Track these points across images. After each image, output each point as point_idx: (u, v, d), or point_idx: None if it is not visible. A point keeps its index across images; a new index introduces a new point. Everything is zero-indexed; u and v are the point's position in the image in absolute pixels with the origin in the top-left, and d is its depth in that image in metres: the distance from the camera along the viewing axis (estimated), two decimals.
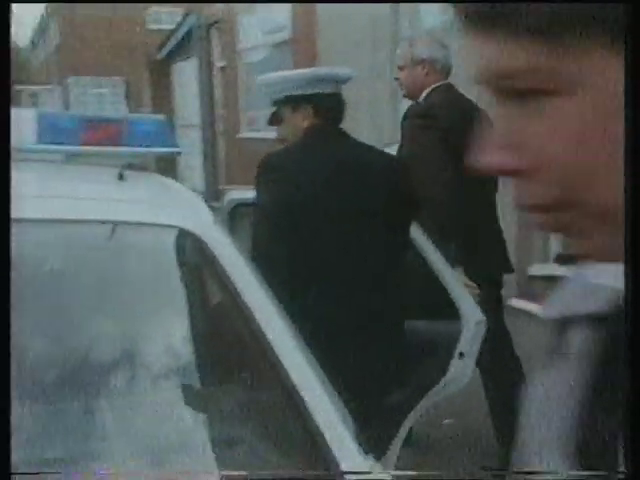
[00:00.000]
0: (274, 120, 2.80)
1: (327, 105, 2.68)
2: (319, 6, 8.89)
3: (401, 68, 3.62)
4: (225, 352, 1.84)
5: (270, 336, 1.65)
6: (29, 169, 2.37)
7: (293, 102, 2.68)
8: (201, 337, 1.89)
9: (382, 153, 2.86)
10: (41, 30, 37.10)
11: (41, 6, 33.60)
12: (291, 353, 1.63)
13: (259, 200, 2.63)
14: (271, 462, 1.58)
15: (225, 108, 13.31)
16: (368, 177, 2.57)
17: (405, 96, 3.75)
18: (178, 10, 22.55)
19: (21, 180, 2.16)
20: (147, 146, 2.34)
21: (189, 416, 1.72)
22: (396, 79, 3.79)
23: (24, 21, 43.16)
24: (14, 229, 1.88)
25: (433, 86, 3.53)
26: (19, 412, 1.47)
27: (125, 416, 1.65)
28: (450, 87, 3.59)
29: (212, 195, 12.74)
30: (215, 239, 1.91)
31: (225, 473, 1.48)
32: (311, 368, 1.63)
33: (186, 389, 1.75)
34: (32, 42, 42.04)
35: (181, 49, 15.70)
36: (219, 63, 13.56)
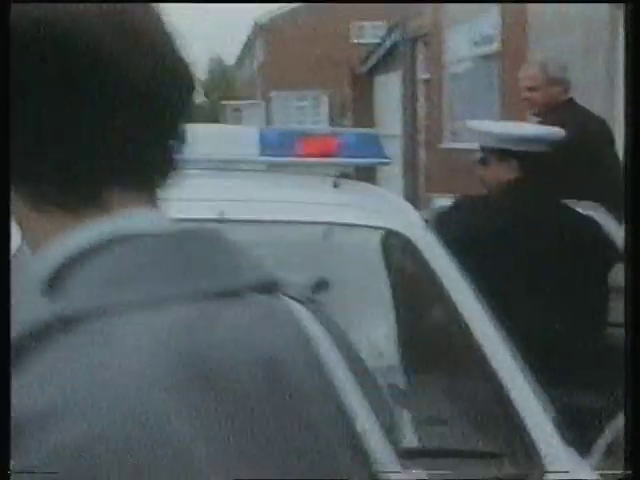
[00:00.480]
0: (481, 161, 2.90)
1: (533, 163, 2.71)
2: (530, 17, 8.99)
3: (533, 89, 3.82)
4: (432, 343, 2.00)
5: (475, 328, 1.80)
6: (253, 178, 2.66)
7: (499, 153, 2.76)
8: (409, 328, 2.05)
9: (581, 220, 2.84)
10: (247, 48, 39.09)
11: (248, 26, 35.28)
12: (494, 344, 1.77)
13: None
14: (471, 440, 1.72)
15: (428, 119, 13.64)
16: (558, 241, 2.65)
17: (534, 114, 3.98)
18: (381, 24, 23.21)
19: (246, 187, 2.49)
20: (358, 157, 2.49)
21: (399, 398, 1.83)
22: (525, 99, 3.96)
23: (232, 41, 45.69)
24: (240, 231, 2.13)
25: (558, 103, 3.76)
26: None
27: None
28: (574, 101, 3.87)
29: (412, 203, 13.09)
30: (424, 240, 2.07)
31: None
32: (513, 359, 1.75)
33: (395, 375, 1.89)
34: (238, 60, 44.43)
35: (384, 62, 16.19)
36: (423, 75, 13.91)
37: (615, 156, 3.72)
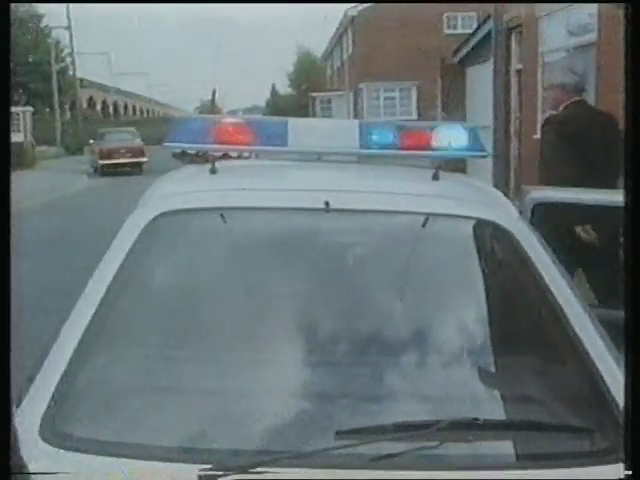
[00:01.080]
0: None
1: None
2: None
3: (546, 89, 5.03)
4: (526, 327, 2.04)
5: (568, 313, 1.88)
6: (354, 169, 2.77)
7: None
8: (507, 315, 2.09)
9: None
10: (337, 40, 39.21)
11: (338, 18, 35.37)
12: (586, 327, 1.85)
13: None
14: (563, 417, 1.77)
15: (521, 110, 13.48)
16: None
17: (551, 109, 5.00)
18: (473, 14, 22.97)
19: (349, 178, 2.58)
20: (456, 150, 2.51)
21: (498, 382, 1.92)
22: (544, 97, 4.97)
23: (321, 32, 45.90)
24: (344, 220, 2.20)
25: (567, 102, 4.70)
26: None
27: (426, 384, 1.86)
28: (582, 103, 4.80)
29: (503, 194, 12.97)
30: (520, 230, 2.14)
31: None
32: (604, 342, 1.83)
33: (493, 361, 1.95)
34: (328, 51, 44.61)
35: (476, 53, 16.04)
36: (516, 66, 13.75)
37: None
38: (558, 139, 4.55)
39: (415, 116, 28.26)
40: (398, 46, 28.39)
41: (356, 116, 28.90)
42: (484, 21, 15.14)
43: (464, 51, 17.01)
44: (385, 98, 30.83)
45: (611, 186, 4.02)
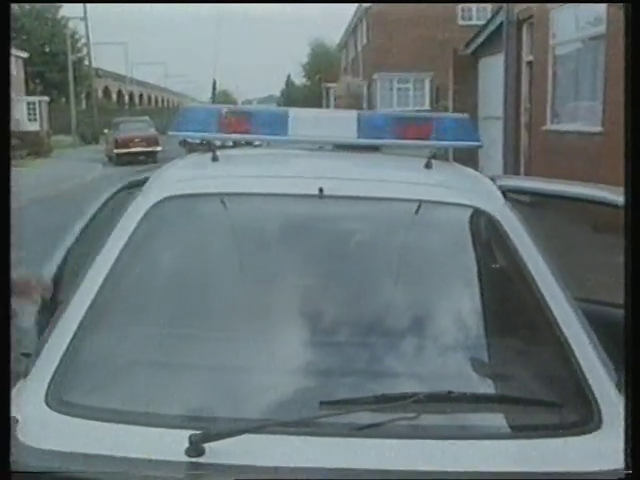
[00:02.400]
0: None
1: None
2: None
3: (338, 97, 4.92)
4: (509, 310, 2.12)
5: (548, 297, 1.96)
6: (350, 158, 2.82)
7: None
8: (489, 298, 2.15)
9: None
10: (352, 31, 39.14)
11: (352, 9, 35.29)
12: (565, 311, 1.94)
13: None
14: (534, 392, 1.85)
15: (531, 101, 13.50)
16: None
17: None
18: (487, 6, 22.88)
19: (344, 166, 2.65)
20: (452, 140, 2.62)
21: (476, 360, 2.00)
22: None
23: (335, 25, 45.87)
24: (337, 206, 2.25)
25: None
26: None
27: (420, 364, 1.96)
28: None
29: None
30: (506, 217, 2.23)
31: None
32: (583, 328, 1.91)
33: (472, 340, 2.04)
34: (342, 43, 44.55)
35: (489, 44, 16.05)
36: (527, 57, 13.76)
37: None
38: None
39: (428, 106, 28.22)
40: (412, 37, 28.34)
41: (369, 106, 28.90)
42: (496, 13, 15.14)
43: (477, 42, 17.01)
44: (399, 89, 30.79)
45: None
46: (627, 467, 1.46)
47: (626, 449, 1.47)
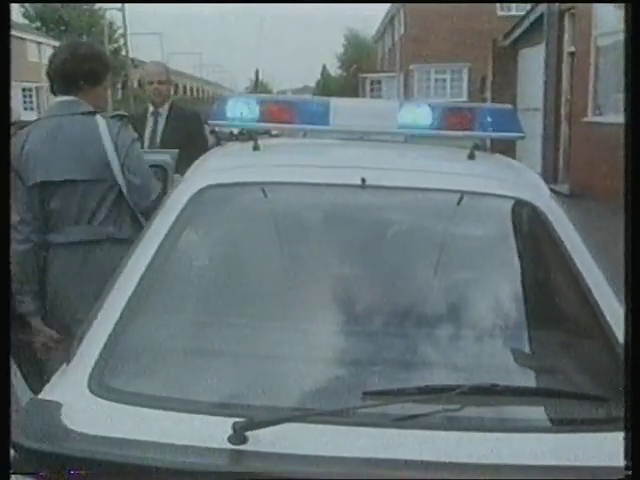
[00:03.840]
0: None
1: None
2: None
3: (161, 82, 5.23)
4: (554, 304, 2.10)
5: (594, 291, 1.93)
6: (393, 148, 2.82)
7: None
8: (533, 290, 2.14)
9: None
10: (388, 22, 38.95)
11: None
12: (612, 305, 1.89)
13: None
14: (579, 385, 1.83)
15: (571, 92, 13.32)
16: None
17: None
18: None
19: (387, 156, 2.62)
20: (495, 131, 2.61)
21: (520, 352, 1.98)
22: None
23: (373, 17, 45.67)
24: (380, 196, 2.24)
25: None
26: None
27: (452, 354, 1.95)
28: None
29: (552, 176, 12.88)
30: (553, 210, 2.20)
31: None
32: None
33: (516, 332, 2.02)
34: (379, 33, 44.35)
35: (529, 35, 15.86)
36: (568, 49, 13.57)
37: None
38: None
39: (466, 98, 27.99)
40: (450, 27, 28.10)
41: (406, 97, 28.76)
42: (537, 3, 14.95)
43: (516, 33, 16.83)
44: (436, 80, 30.58)
45: None
46: (627, 467, 1.44)
47: (626, 449, 1.45)
